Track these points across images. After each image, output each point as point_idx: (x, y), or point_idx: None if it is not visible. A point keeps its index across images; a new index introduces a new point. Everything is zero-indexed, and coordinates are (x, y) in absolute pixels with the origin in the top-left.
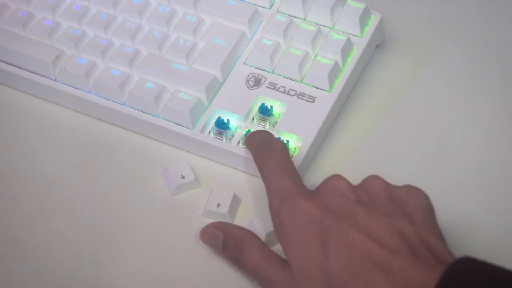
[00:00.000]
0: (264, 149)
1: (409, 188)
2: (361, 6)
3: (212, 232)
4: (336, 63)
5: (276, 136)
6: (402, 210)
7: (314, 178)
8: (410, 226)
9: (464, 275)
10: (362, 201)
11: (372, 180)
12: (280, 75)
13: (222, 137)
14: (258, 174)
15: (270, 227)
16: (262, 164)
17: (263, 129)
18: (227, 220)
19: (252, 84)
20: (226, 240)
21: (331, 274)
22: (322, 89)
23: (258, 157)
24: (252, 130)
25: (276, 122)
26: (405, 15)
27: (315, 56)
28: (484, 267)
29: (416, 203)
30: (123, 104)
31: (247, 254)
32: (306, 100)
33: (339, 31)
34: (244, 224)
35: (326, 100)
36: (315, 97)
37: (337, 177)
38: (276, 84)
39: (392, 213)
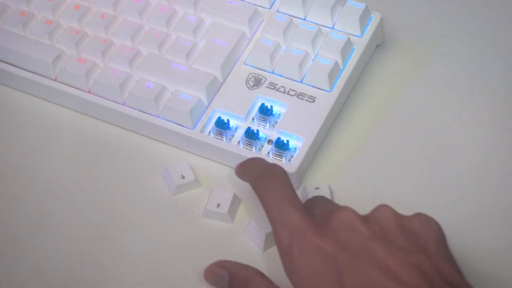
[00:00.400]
0: (263, 177)
1: (420, 217)
2: (361, 6)
3: (216, 271)
4: (336, 63)
5: (276, 136)
6: (417, 243)
7: (314, 178)
8: (427, 261)
9: None
10: (376, 236)
11: (383, 211)
12: (280, 75)
13: (222, 137)
14: None
15: (270, 228)
16: (263, 194)
17: (255, 156)
18: (227, 220)
19: (252, 84)
20: (232, 280)
21: None
22: (322, 89)
23: (258, 187)
24: (251, 128)
25: (276, 122)
26: (405, 15)
27: (315, 56)
28: None
29: (429, 233)
30: (123, 104)
31: None
32: (306, 100)
33: (339, 31)
34: (244, 224)
35: (326, 100)
36: (315, 97)
37: (347, 210)
38: (276, 84)
39: (407, 247)
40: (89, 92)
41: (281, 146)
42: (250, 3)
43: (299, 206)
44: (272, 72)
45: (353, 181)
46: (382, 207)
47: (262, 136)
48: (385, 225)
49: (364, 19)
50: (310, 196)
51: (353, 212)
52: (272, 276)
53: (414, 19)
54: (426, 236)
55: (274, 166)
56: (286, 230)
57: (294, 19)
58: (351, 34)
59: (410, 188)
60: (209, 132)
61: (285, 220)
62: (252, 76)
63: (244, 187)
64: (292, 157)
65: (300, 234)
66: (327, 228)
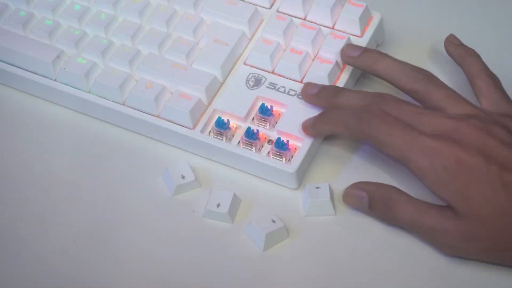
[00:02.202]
0: (364, 120)
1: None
2: (361, 6)
3: (356, 194)
4: (336, 63)
5: (276, 136)
6: None
7: (314, 178)
8: None
9: None
10: (508, 143)
11: (490, 119)
12: (280, 75)
13: (222, 137)
14: (258, 174)
15: (269, 228)
16: (375, 134)
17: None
18: (227, 220)
19: (252, 84)
20: (372, 200)
21: (506, 215)
22: None
23: (365, 130)
24: (251, 128)
25: (276, 122)
26: (405, 15)
27: (315, 56)
28: None
29: None
30: (123, 104)
31: (399, 210)
32: None
33: (339, 31)
34: (244, 225)
35: None
36: None
37: (470, 120)
38: (276, 84)
39: None
40: (89, 92)
41: (281, 146)
42: (250, 3)
43: (417, 129)
44: (272, 72)
45: (353, 181)
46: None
47: (262, 136)
48: (503, 133)
49: (364, 19)
50: (310, 195)
51: (475, 120)
52: (272, 277)
53: (414, 19)
54: None
55: (368, 107)
56: (422, 154)
57: (294, 19)
58: (351, 34)
59: (410, 188)
60: (209, 132)
61: (410, 143)
62: (252, 76)
63: (244, 187)
64: (292, 157)
65: (436, 154)
66: (462, 143)
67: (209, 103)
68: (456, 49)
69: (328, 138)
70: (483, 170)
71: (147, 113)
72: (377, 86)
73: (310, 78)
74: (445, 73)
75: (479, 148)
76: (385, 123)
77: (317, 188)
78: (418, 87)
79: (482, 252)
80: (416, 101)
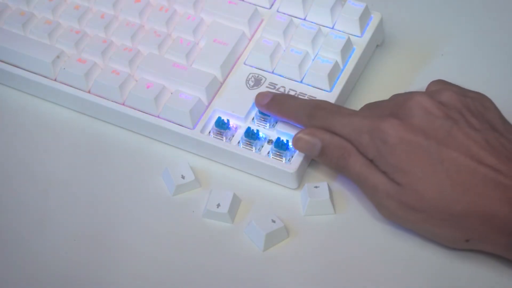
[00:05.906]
0: (314, 115)
1: (478, 98)
2: (361, 6)
3: (310, 140)
4: (336, 63)
5: (276, 136)
6: (487, 122)
7: (314, 177)
8: (501, 138)
9: None
10: (452, 119)
11: (445, 93)
12: (280, 75)
13: (222, 137)
14: (258, 174)
15: (270, 228)
16: (326, 123)
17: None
18: (227, 220)
19: (252, 84)
20: (326, 147)
21: (444, 190)
22: (322, 89)
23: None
24: (251, 128)
25: (276, 122)
26: (405, 15)
27: (315, 56)
28: None
29: (491, 113)
30: (123, 104)
31: (351, 161)
32: None
33: (339, 31)
34: (244, 225)
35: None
36: (315, 97)
37: (418, 94)
38: (276, 84)
39: (481, 127)
40: (89, 92)
41: (281, 146)
42: (250, 3)
43: (353, 111)
44: (272, 72)
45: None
46: (445, 90)
47: (262, 136)
48: (454, 106)
49: (364, 19)
50: (309, 195)
51: (425, 95)
52: (272, 277)
53: (414, 19)
54: (489, 116)
55: (317, 101)
56: (366, 133)
57: (294, 19)
58: (351, 34)
59: None
60: (209, 132)
61: (353, 126)
62: (252, 76)
63: (244, 187)
64: (292, 157)
65: (377, 130)
66: (404, 118)
67: (209, 103)
68: None
69: None
70: (423, 145)
71: (147, 113)
72: (377, 86)
73: (310, 78)
74: (445, 73)
75: (421, 123)
76: (335, 113)
77: (316, 187)
78: None
79: (416, 224)
80: None
